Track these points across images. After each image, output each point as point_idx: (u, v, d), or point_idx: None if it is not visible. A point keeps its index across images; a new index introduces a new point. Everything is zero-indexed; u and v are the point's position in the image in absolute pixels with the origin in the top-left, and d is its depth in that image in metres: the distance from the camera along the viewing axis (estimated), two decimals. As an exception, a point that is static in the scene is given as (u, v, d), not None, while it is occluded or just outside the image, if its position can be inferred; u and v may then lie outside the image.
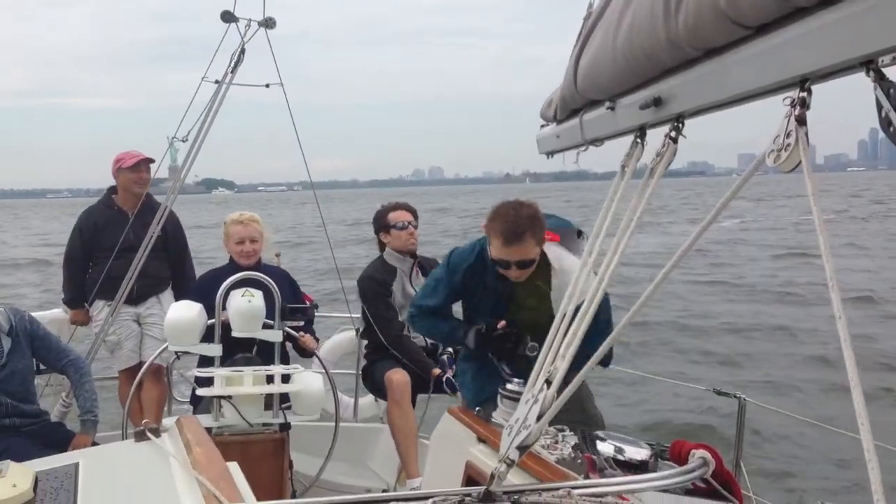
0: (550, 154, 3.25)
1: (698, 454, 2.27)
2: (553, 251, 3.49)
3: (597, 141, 2.57)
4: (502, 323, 3.51)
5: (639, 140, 2.06)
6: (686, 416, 7.92)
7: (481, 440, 2.64)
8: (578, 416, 3.40)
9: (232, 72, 4.80)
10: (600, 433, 2.69)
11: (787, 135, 1.33)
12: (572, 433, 2.60)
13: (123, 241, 5.13)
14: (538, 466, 2.25)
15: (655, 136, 2.01)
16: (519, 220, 3.32)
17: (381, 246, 4.88)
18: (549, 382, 1.75)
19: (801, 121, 1.32)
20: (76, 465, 2.31)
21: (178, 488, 2.01)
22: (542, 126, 3.22)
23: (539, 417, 1.70)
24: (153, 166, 5.45)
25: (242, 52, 4.79)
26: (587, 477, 2.27)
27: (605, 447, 2.59)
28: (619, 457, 2.56)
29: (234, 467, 2.12)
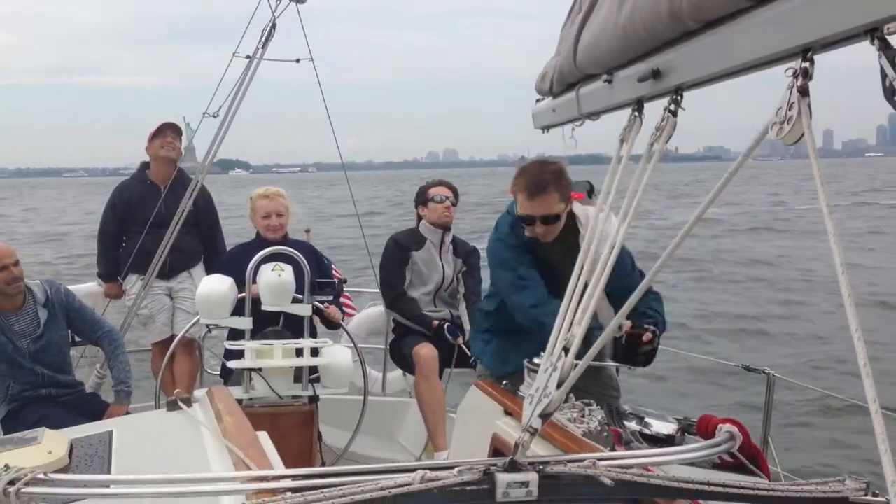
0: (546, 129, 3.24)
1: (725, 428, 2.26)
2: (580, 209, 3.45)
3: (593, 115, 2.56)
4: (627, 324, 3.17)
5: (636, 113, 2.04)
6: (713, 391, 7.90)
7: (508, 413, 2.66)
8: (595, 383, 3.39)
9: (263, 47, 4.81)
10: (626, 407, 2.69)
11: (790, 107, 1.30)
12: (598, 407, 2.61)
13: (156, 216, 5.20)
14: (564, 439, 2.27)
15: (653, 110, 1.99)
16: (543, 175, 3.32)
17: (419, 219, 4.97)
18: (566, 350, 1.75)
19: (804, 91, 1.29)
20: (110, 433, 2.36)
21: (209, 456, 2.05)
22: (538, 101, 3.21)
23: (559, 385, 1.71)
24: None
25: (273, 26, 4.79)
26: (613, 450, 2.28)
27: (631, 422, 2.60)
28: (646, 431, 2.57)
29: (263, 436, 2.15)
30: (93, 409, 4.25)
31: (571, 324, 1.82)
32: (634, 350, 3.14)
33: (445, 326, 4.62)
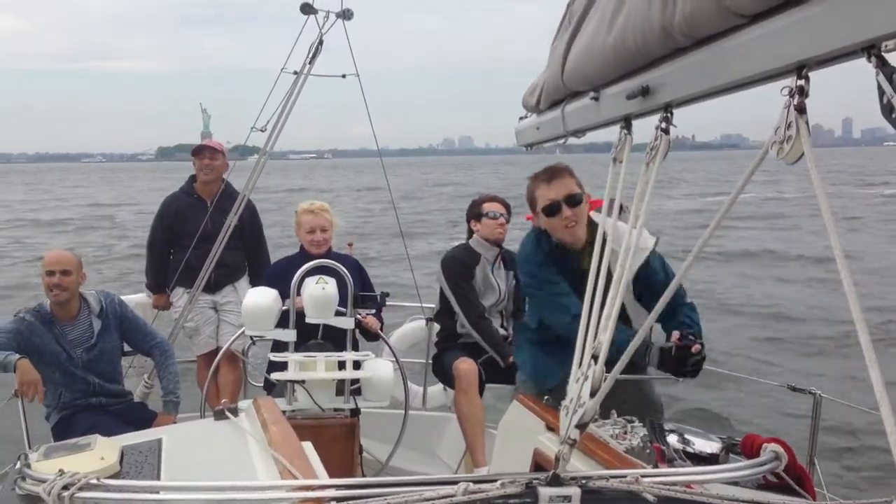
0: (529, 147, 3.24)
1: (770, 448, 2.24)
2: (599, 217, 3.44)
3: (579, 132, 2.55)
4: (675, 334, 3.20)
5: (626, 131, 2.04)
6: (759, 411, 7.77)
7: (550, 428, 2.65)
8: (637, 401, 3.36)
9: (310, 63, 4.88)
10: (669, 425, 2.67)
11: (788, 126, 1.30)
12: (641, 424, 2.59)
13: (202, 231, 5.30)
14: (607, 455, 2.26)
15: (639, 126, 2.00)
16: (554, 165, 3.45)
17: (470, 233, 4.93)
18: (595, 358, 1.76)
19: (801, 109, 1.29)
20: (159, 441, 2.42)
21: (256, 464, 2.09)
22: (521, 118, 3.21)
23: (592, 394, 1.71)
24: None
25: (320, 43, 4.86)
26: (656, 467, 2.27)
27: (674, 439, 2.58)
28: (689, 449, 2.54)
29: (308, 447, 2.19)
30: (141, 418, 4.34)
31: (597, 331, 1.82)
32: (684, 362, 3.13)
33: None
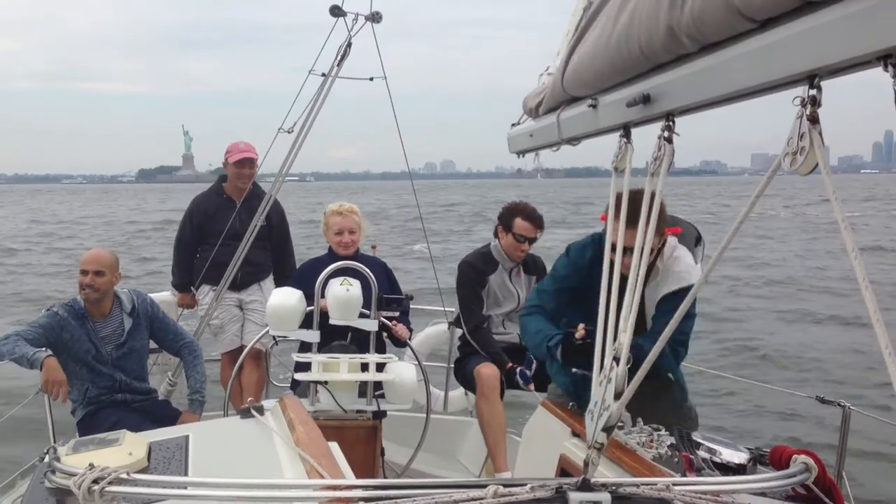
0: (521, 154, 3.19)
1: (800, 459, 2.21)
2: (671, 242, 3.37)
3: (574, 140, 2.50)
4: (580, 332, 3.22)
5: (625, 139, 2.00)
6: (787, 422, 7.69)
7: (575, 434, 2.64)
8: (670, 410, 3.33)
9: (338, 65, 4.89)
10: (696, 434, 2.65)
11: (801, 136, 1.27)
12: (668, 433, 2.57)
13: (230, 229, 5.34)
14: (635, 463, 2.24)
15: (638, 135, 1.96)
16: (637, 204, 3.30)
17: (495, 235, 4.89)
18: (616, 360, 1.74)
19: (814, 120, 1.26)
20: (186, 438, 2.43)
21: (283, 463, 2.10)
22: (514, 125, 3.16)
23: (617, 396, 1.70)
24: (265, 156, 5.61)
25: (349, 45, 4.86)
26: (684, 475, 2.25)
27: (702, 449, 2.55)
28: (716, 459, 2.52)
29: (334, 447, 2.19)
30: (165, 415, 4.37)
31: (616, 333, 1.80)
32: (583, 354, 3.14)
33: (518, 371, 4.51)
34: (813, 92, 1.24)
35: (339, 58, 4.87)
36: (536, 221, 4.78)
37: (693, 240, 3.43)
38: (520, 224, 4.73)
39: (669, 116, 1.72)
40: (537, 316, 3.54)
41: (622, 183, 1.99)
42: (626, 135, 2.00)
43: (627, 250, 3.22)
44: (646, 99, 1.73)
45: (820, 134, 1.26)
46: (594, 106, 2.10)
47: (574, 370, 3.39)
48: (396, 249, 25.15)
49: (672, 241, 3.35)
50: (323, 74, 4.94)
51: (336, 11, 4.80)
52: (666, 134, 1.74)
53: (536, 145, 2.93)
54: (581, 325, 3.20)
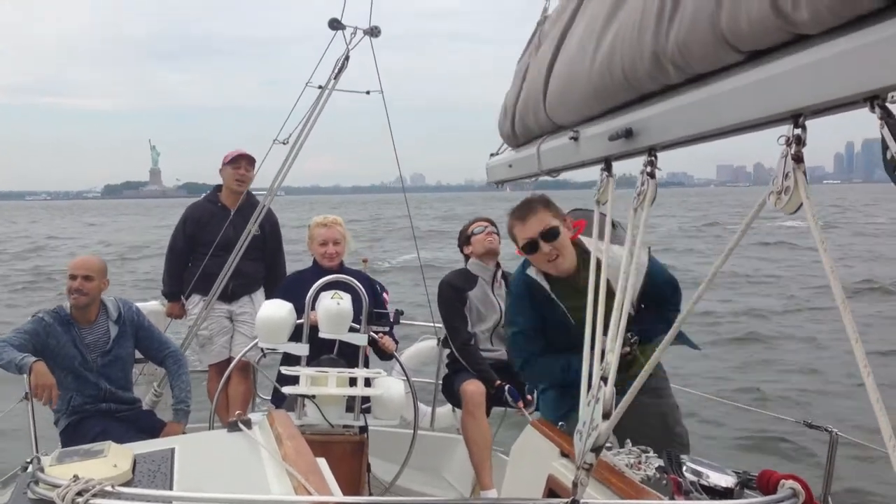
0: (500, 184, 3.21)
1: (788, 484, 2.22)
2: (588, 240, 3.34)
3: (554, 171, 2.50)
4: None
5: (606, 172, 2.00)
6: (774, 446, 7.70)
7: (564, 454, 2.63)
8: (660, 432, 3.33)
9: (335, 78, 4.91)
10: (684, 457, 2.64)
11: (786, 176, 1.27)
12: (656, 455, 2.56)
13: (223, 238, 5.31)
14: (623, 485, 2.23)
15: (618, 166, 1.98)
16: (527, 201, 3.36)
17: (466, 259, 4.97)
18: (604, 379, 1.74)
19: (798, 159, 1.26)
20: (172, 450, 2.41)
21: (269, 478, 2.08)
22: (493, 154, 3.18)
23: (606, 416, 1.69)
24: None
25: (347, 58, 4.89)
26: (672, 499, 2.24)
27: (689, 471, 2.54)
28: (704, 482, 2.51)
29: (322, 463, 2.17)
30: (149, 425, 4.34)
31: (603, 353, 1.80)
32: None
33: (507, 388, 4.51)
34: (798, 131, 1.24)
35: (335, 70, 4.89)
36: (483, 217, 5.04)
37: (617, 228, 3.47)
38: (473, 226, 4.93)
39: (652, 151, 1.72)
40: (538, 359, 3.47)
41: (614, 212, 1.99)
42: (608, 168, 2.00)
43: (540, 237, 3.26)
44: (628, 133, 1.73)
45: (804, 174, 1.26)
46: (575, 138, 2.10)
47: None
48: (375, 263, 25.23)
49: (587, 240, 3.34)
50: (320, 87, 4.96)
51: (335, 24, 4.83)
52: (649, 169, 1.74)
53: (515, 176, 2.94)
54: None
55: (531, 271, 3.47)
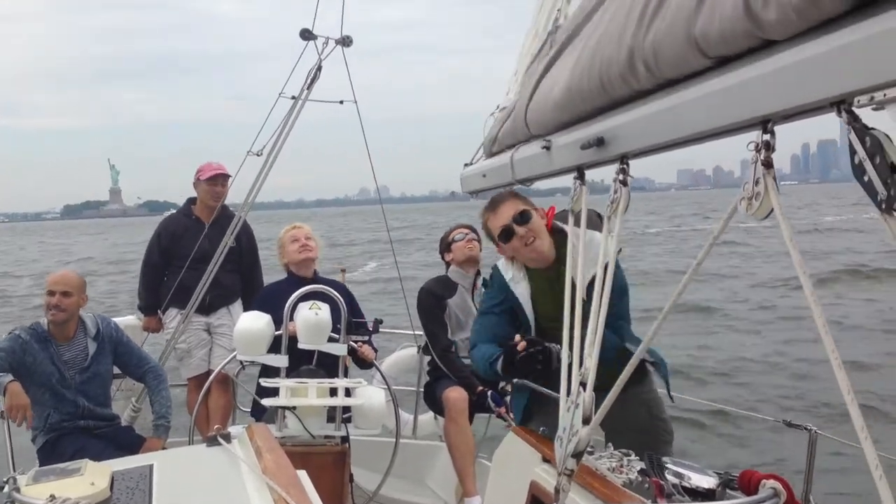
0: (475, 194, 3.21)
1: (769, 484, 2.23)
2: (568, 227, 3.36)
3: (527, 181, 2.50)
4: (521, 343, 3.12)
5: (579, 181, 2.02)
6: (753, 446, 7.75)
7: (546, 460, 2.63)
8: (641, 421, 3.32)
9: (308, 88, 4.90)
10: (666, 459, 2.65)
11: (756, 182, 1.28)
12: (638, 458, 2.57)
13: (198, 251, 5.27)
14: (606, 489, 2.24)
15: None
16: (497, 193, 3.33)
17: (447, 267, 4.97)
18: (583, 385, 1.74)
19: (768, 164, 1.27)
20: (151, 467, 2.38)
21: (250, 493, 2.06)
22: (466, 164, 3.18)
23: (586, 421, 1.69)
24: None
25: (319, 68, 4.88)
26: (655, 502, 2.25)
27: (671, 473, 2.55)
28: (685, 484, 2.52)
29: (303, 475, 2.16)
30: (128, 442, 4.29)
31: (582, 358, 1.80)
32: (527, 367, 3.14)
33: (489, 394, 4.51)
34: (766, 137, 1.25)
35: (308, 81, 4.88)
36: (464, 224, 5.00)
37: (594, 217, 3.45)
38: (454, 233, 4.92)
39: (624, 159, 1.72)
40: (480, 345, 3.46)
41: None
42: (581, 177, 2.01)
43: (513, 220, 3.22)
44: (599, 142, 1.73)
45: (774, 179, 1.26)
46: (548, 147, 2.11)
47: (516, 380, 3.42)
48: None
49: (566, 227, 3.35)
50: (293, 97, 4.94)
51: (306, 35, 4.82)
52: (621, 177, 1.75)
53: (489, 185, 2.94)
54: (518, 336, 3.16)
55: (500, 262, 3.47)
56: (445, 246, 4.95)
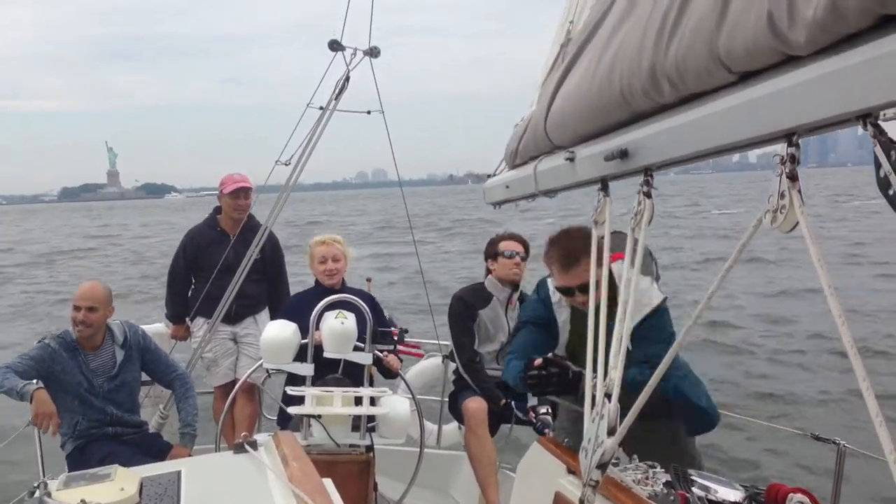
0: (498, 205, 3.19)
1: (797, 498, 2.21)
2: (618, 269, 3.36)
3: (551, 192, 2.49)
4: (537, 361, 3.16)
5: (603, 192, 2.01)
6: (781, 459, 7.65)
7: (571, 471, 2.62)
8: (671, 451, 3.30)
9: (336, 98, 4.93)
10: (692, 472, 2.63)
11: (781, 195, 1.27)
12: (663, 470, 2.56)
13: (224, 262, 5.33)
14: (631, 501, 2.23)
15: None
16: (571, 244, 3.23)
17: (487, 272, 4.92)
18: (608, 396, 1.74)
19: (793, 177, 1.26)
20: (178, 473, 2.41)
21: (276, 499, 2.08)
22: (489, 176, 3.17)
23: (611, 433, 1.69)
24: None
25: (347, 79, 4.91)
26: (680, 514, 2.23)
27: (697, 486, 2.53)
28: (711, 497, 2.50)
29: (328, 483, 2.17)
30: (155, 449, 4.33)
31: (606, 370, 1.80)
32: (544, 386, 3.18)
33: (514, 404, 4.49)
34: (792, 150, 1.24)
35: (336, 91, 4.91)
36: (517, 237, 4.90)
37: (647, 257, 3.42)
38: (503, 245, 4.81)
39: (647, 171, 1.72)
40: (513, 359, 3.50)
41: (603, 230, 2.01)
42: (604, 188, 2.01)
43: (577, 289, 3.26)
44: (623, 154, 1.73)
45: (800, 192, 1.26)
46: (571, 159, 2.11)
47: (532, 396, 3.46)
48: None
49: (617, 267, 3.34)
50: (320, 108, 4.98)
51: (335, 46, 4.85)
52: (645, 189, 1.75)
53: (513, 196, 2.94)
54: (537, 359, 3.18)
55: (551, 280, 3.48)
56: (492, 254, 4.86)
